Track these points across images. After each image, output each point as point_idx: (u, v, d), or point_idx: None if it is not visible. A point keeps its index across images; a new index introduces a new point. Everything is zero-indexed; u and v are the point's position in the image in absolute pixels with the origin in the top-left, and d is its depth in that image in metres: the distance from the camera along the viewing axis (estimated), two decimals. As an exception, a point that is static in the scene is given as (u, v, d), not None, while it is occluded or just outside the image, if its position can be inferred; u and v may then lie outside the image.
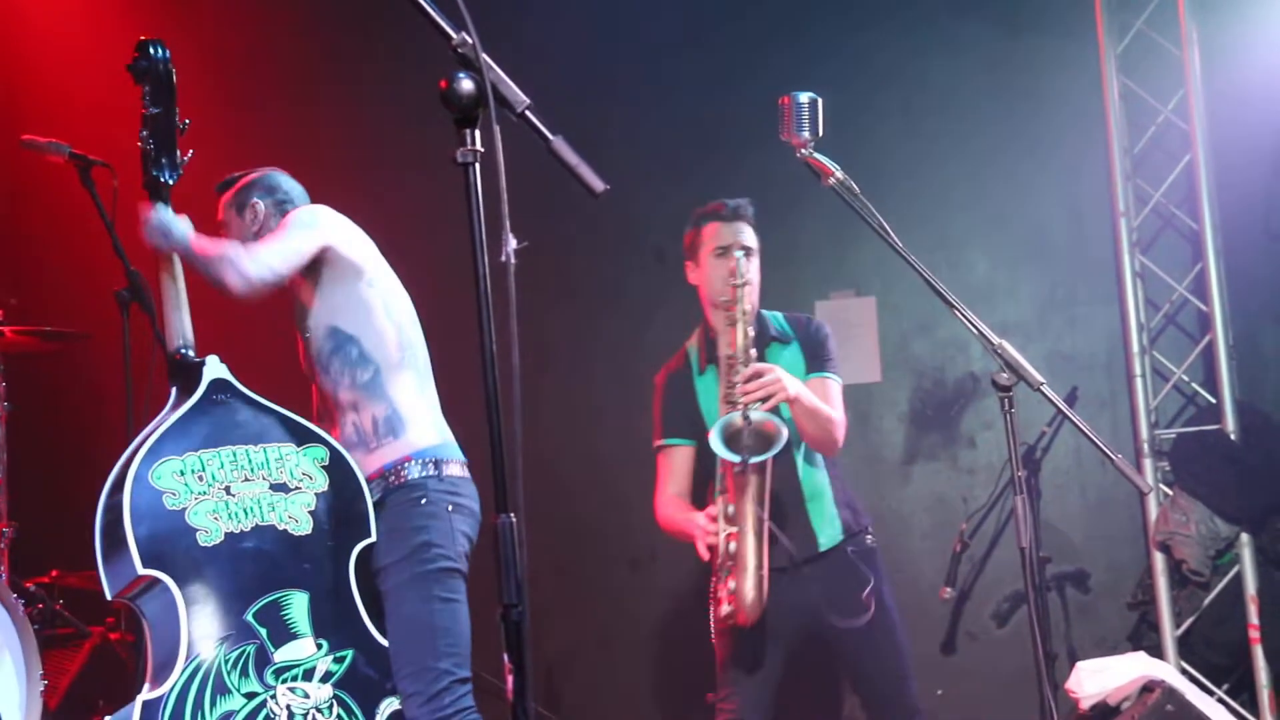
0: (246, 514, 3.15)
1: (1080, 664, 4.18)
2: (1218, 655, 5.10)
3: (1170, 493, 5.12)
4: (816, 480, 4.02)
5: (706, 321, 4.10)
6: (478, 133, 2.17)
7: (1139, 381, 5.25)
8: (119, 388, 4.01)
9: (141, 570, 3.01)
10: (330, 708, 3.14)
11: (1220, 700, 4.72)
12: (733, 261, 3.90)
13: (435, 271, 3.97)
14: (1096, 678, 4.08)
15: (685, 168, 5.74)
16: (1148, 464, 5.18)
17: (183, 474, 3.11)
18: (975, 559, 5.31)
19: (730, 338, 3.86)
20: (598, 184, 2.21)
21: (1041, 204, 5.52)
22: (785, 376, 3.80)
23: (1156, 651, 4.85)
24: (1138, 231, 5.35)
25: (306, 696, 3.12)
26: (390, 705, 3.23)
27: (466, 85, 2.17)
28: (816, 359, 4.06)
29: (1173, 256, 5.37)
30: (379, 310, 3.47)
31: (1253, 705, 4.94)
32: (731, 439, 3.75)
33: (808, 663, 3.99)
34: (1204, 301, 5.22)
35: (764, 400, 3.75)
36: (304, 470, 3.25)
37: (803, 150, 3.09)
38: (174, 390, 3.27)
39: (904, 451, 5.60)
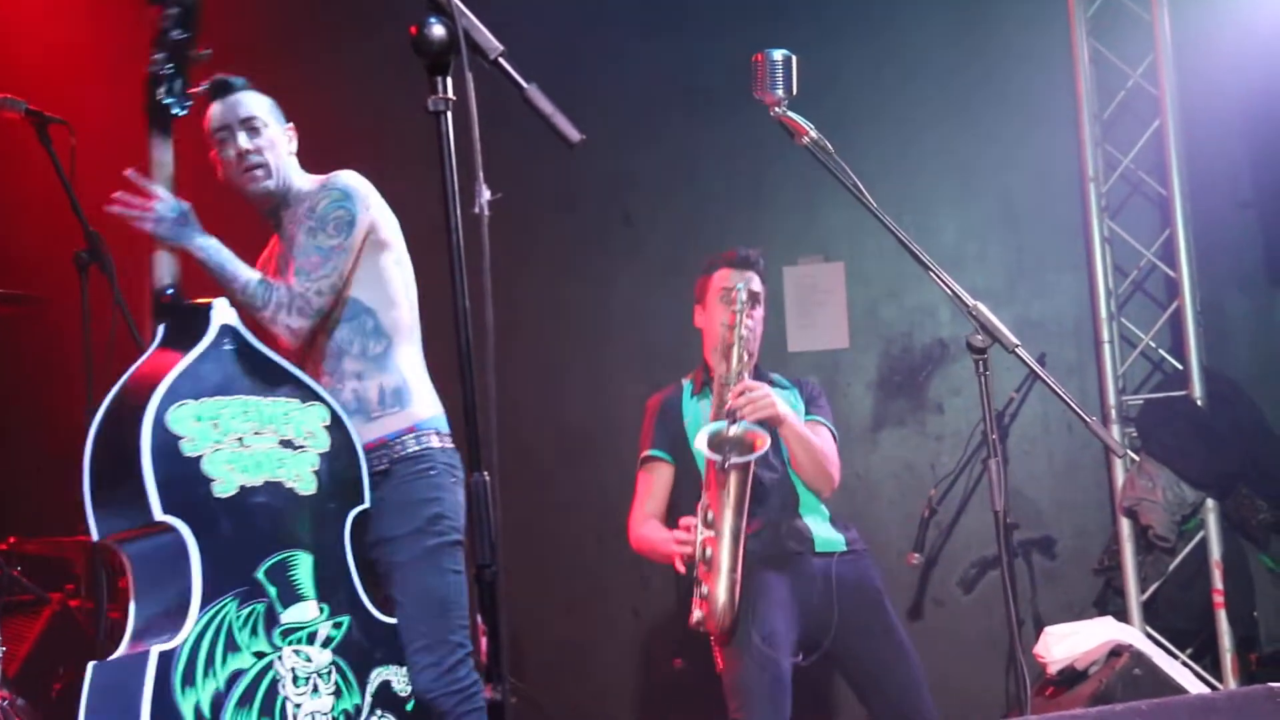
0: (259, 468, 3.02)
1: (1048, 629, 4.19)
2: (1182, 620, 5.12)
3: (1137, 459, 5.13)
4: (813, 498, 4.06)
5: (705, 363, 4.17)
6: (450, 80, 2.11)
7: (1107, 348, 5.25)
8: (77, 352, 3.92)
9: (160, 516, 2.87)
10: (329, 674, 3.05)
11: (1184, 664, 4.74)
12: (733, 294, 3.94)
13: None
14: (1064, 643, 4.10)
15: (654, 128, 5.69)
16: (1115, 430, 5.18)
17: (199, 420, 2.96)
18: (943, 525, 5.31)
19: (726, 361, 3.92)
20: (573, 134, 2.16)
21: (1010, 169, 5.49)
22: (776, 397, 3.86)
23: (1122, 616, 4.86)
24: (1106, 197, 5.34)
25: (309, 660, 3.02)
26: (380, 675, 3.15)
27: (438, 31, 2.12)
28: (813, 404, 4.18)
29: (1141, 222, 5.37)
30: (400, 286, 3.42)
31: (1216, 669, 4.97)
32: (715, 442, 3.76)
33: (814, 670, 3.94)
34: (1172, 268, 5.21)
35: (752, 413, 3.79)
36: (308, 429, 3.14)
37: (776, 109, 3.05)
38: (161, 328, 3.09)
39: (872, 418, 5.59)
